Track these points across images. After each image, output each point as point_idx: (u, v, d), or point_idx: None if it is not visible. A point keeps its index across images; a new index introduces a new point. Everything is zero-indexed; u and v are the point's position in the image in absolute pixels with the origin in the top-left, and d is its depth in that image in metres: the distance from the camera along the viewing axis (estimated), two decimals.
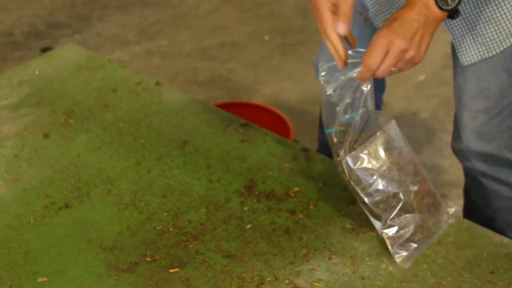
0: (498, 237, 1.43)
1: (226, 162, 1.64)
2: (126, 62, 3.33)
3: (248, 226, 1.47)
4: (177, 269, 1.39)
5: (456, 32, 1.58)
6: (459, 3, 1.34)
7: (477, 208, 1.80)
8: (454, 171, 2.58)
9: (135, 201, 1.55)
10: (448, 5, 1.33)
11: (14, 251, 1.44)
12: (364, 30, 1.72)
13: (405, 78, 3.10)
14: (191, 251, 1.42)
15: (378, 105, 2.02)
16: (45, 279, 1.38)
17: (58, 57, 2.02)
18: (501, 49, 1.54)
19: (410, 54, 1.31)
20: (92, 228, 1.49)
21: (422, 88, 3.02)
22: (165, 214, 1.51)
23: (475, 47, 1.57)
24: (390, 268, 1.37)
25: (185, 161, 1.65)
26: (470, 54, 1.58)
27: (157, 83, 1.90)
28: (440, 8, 1.33)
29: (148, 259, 1.41)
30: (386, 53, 1.30)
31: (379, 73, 1.32)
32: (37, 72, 1.96)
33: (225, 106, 2.34)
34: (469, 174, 1.79)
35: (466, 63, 1.60)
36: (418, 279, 1.35)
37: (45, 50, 2.07)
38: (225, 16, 3.72)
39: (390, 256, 1.39)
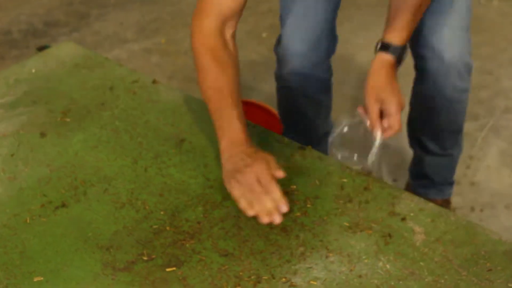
0: (495, 235, 1.43)
1: None
2: (124, 60, 3.32)
3: (245, 224, 1.47)
4: (174, 268, 1.39)
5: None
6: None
7: (436, 117, 2.07)
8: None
9: (132, 200, 1.54)
10: (400, 63, 1.74)
11: (11, 251, 1.44)
12: None
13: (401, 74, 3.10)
14: (188, 250, 1.42)
15: (329, 58, 2.12)
16: (42, 278, 1.38)
17: (55, 56, 2.02)
18: None
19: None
20: (89, 227, 1.49)
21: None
22: (162, 213, 1.51)
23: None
24: (387, 266, 1.37)
25: (182, 160, 1.64)
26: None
27: (154, 81, 1.90)
28: (398, 64, 1.73)
29: (145, 258, 1.41)
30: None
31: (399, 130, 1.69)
32: (33, 71, 1.96)
33: None
34: (433, 97, 2.02)
35: None
36: (415, 277, 1.34)
37: (41, 48, 2.06)
38: None
39: (387, 254, 1.39)
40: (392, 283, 1.33)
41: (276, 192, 1.44)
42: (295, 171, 1.59)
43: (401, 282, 1.34)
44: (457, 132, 2.12)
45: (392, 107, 1.65)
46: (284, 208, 1.44)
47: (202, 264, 1.39)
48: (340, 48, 2.11)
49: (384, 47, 1.69)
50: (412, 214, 1.48)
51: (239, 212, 1.49)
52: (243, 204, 1.45)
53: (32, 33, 3.59)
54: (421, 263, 1.37)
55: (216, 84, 1.58)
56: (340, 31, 2.07)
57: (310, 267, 1.37)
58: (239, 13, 1.64)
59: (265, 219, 1.43)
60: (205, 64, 1.59)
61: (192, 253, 1.41)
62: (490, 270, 1.35)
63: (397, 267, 1.37)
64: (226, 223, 1.47)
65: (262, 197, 1.43)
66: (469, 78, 1.97)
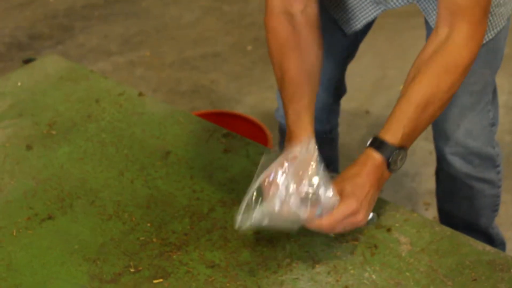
0: (480, 245, 1.44)
1: (209, 172, 1.64)
2: (109, 73, 3.32)
3: (232, 236, 1.47)
4: (161, 280, 1.39)
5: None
6: (403, 163, 1.40)
7: (458, 211, 1.80)
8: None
9: (119, 212, 1.54)
10: (397, 166, 1.39)
11: None
12: (335, 30, 1.73)
13: (387, 87, 3.12)
14: (175, 262, 1.42)
15: (338, 110, 2.02)
16: None
17: (40, 69, 2.02)
18: (483, 42, 1.56)
19: (359, 217, 1.34)
20: (75, 239, 1.48)
21: None
22: (149, 225, 1.51)
23: None
24: (373, 276, 1.38)
25: (168, 172, 1.65)
26: None
27: (140, 94, 1.90)
28: (390, 170, 1.38)
29: (132, 270, 1.41)
30: (347, 218, 1.34)
31: (328, 231, 1.37)
32: (19, 84, 1.95)
33: (207, 116, 2.34)
34: (451, 179, 1.78)
35: None
36: (401, 287, 1.35)
37: (27, 61, 2.06)
38: (208, 26, 3.73)
39: (373, 265, 1.40)
40: None
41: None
42: None
43: None
44: (484, 229, 1.81)
45: (339, 208, 1.33)
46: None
47: (189, 275, 1.39)
48: None
49: (374, 143, 1.39)
50: (397, 225, 1.49)
51: (226, 223, 1.50)
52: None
53: (17, 46, 3.59)
54: (407, 273, 1.38)
55: (276, 71, 1.49)
56: None
57: (297, 278, 1.38)
58: None
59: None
60: (270, 47, 1.51)
61: (179, 265, 1.41)
62: (475, 279, 1.36)
63: (383, 277, 1.37)
64: (213, 235, 1.48)
65: None
66: (492, 168, 1.73)
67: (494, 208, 1.80)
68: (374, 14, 1.65)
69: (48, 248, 1.47)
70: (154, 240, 1.47)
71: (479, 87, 1.61)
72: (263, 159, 1.35)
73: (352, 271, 1.38)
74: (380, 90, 3.13)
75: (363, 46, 1.90)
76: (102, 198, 1.58)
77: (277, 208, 1.32)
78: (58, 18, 3.83)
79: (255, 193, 1.33)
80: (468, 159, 1.69)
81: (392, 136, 1.37)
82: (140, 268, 1.41)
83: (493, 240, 1.86)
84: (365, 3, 1.60)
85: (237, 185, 1.60)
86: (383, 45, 3.37)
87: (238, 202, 1.53)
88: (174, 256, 1.43)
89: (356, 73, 3.15)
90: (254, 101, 3.11)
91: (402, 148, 1.38)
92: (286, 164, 1.34)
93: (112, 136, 1.76)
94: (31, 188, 1.62)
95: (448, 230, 1.47)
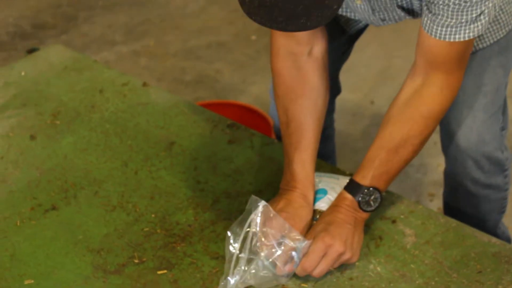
0: (485, 237, 1.43)
1: (213, 163, 1.63)
2: (113, 63, 3.31)
3: None
4: (165, 271, 1.38)
5: None
6: (381, 202, 1.41)
7: (464, 215, 1.79)
8: (442, 170, 2.59)
9: (122, 203, 1.54)
10: (371, 207, 1.41)
11: (1, 254, 1.43)
12: (334, 27, 1.71)
13: (392, 77, 3.11)
14: (179, 253, 1.42)
15: (333, 108, 2.00)
16: (32, 281, 1.37)
17: (44, 58, 2.01)
18: (495, 39, 1.54)
19: (346, 256, 1.35)
20: (79, 230, 1.48)
21: None
22: (153, 215, 1.51)
23: None
24: (378, 268, 1.37)
25: (172, 162, 1.64)
26: None
27: (144, 84, 1.89)
28: (364, 210, 1.40)
29: (136, 261, 1.41)
30: (323, 255, 1.34)
31: (316, 274, 1.34)
32: (23, 73, 1.95)
33: (211, 106, 2.34)
34: (456, 184, 1.76)
35: None
36: (406, 279, 1.35)
37: (31, 51, 2.06)
38: (212, 16, 3.72)
39: (378, 257, 1.39)
40: (383, 286, 1.34)
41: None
42: None
43: (392, 284, 1.34)
44: (491, 229, 1.77)
45: (312, 245, 1.34)
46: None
47: (193, 267, 1.39)
48: None
49: (348, 185, 1.43)
50: (402, 217, 1.48)
51: (230, 215, 1.49)
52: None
53: (20, 35, 3.57)
54: (412, 265, 1.38)
55: (282, 117, 1.49)
56: None
57: None
58: (314, 38, 1.49)
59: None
60: (276, 91, 1.50)
61: (183, 256, 1.41)
62: (480, 272, 1.36)
63: (388, 269, 1.37)
64: (217, 226, 1.47)
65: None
66: (501, 172, 1.70)
67: (501, 210, 1.79)
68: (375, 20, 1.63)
69: (52, 238, 1.47)
70: (158, 231, 1.47)
71: (491, 87, 1.59)
72: (249, 204, 1.35)
73: (356, 263, 1.38)
74: (385, 80, 3.12)
75: (367, 36, 1.89)
76: (106, 189, 1.58)
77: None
78: (62, 8, 3.81)
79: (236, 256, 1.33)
80: (479, 164, 1.66)
81: (362, 177, 1.41)
82: (144, 259, 1.41)
83: (498, 238, 1.84)
84: (366, 11, 1.58)
85: (241, 176, 1.59)
86: (388, 35, 3.35)
87: (243, 193, 1.54)
88: (178, 247, 1.43)
89: (361, 63, 3.14)
90: (258, 91, 3.10)
91: (374, 188, 1.40)
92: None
93: (116, 127, 1.76)
94: (35, 178, 1.61)
95: (453, 222, 1.47)
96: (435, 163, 2.63)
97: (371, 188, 1.40)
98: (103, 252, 1.43)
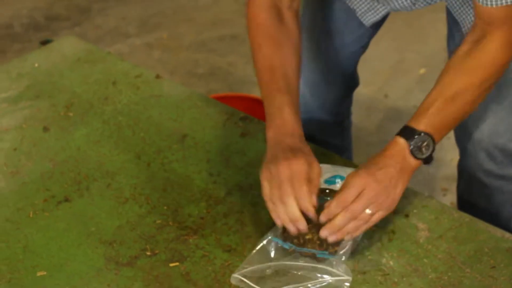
0: (499, 232, 1.42)
1: (226, 156, 1.63)
2: (126, 55, 3.32)
3: (248, 220, 1.46)
4: (177, 263, 1.38)
5: (464, 17, 1.56)
6: (433, 151, 1.36)
7: (478, 207, 1.78)
8: (455, 165, 2.58)
9: (135, 195, 1.54)
10: (422, 154, 1.36)
11: (14, 245, 1.44)
12: (351, 20, 1.71)
13: (406, 71, 3.10)
14: (191, 245, 1.42)
15: (350, 101, 1.99)
16: (45, 273, 1.38)
17: (57, 50, 2.02)
18: None
19: (382, 198, 1.31)
20: (92, 222, 1.48)
21: (423, 81, 3.01)
22: (165, 208, 1.51)
23: None
24: (391, 263, 1.37)
25: (185, 155, 1.64)
26: None
27: (157, 76, 1.89)
28: (415, 157, 1.35)
29: (148, 253, 1.41)
30: (360, 193, 1.30)
31: (349, 215, 1.31)
32: (36, 65, 1.95)
33: (224, 99, 2.33)
34: (470, 177, 1.76)
35: None
36: (418, 274, 1.34)
37: (44, 42, 2.06)
38: (225, 8, 3.71)
39: (390, 251, 1.38)
40: (396, 280, 1.33)
41: (305, 198, 1.31)
42: None
43: (404, 278, 1.34)
44: (505, 223, 1.74)
45: (348, 180, 1.32)
46: (310, 215, 1.32)
47: (205, 259, 1.39)
48: None
49: (401, 130, 1.39)
50: (415, 211, 1.47)
51: (243, 208, 1.49)
52: (270, 205, 1.34)
53: (34, 27, 3.59)
54: (425, 260, 1.37)
55: (268, 64, 1.45)
56: None
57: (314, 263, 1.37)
58: None
59: (291, 228, 1.32)
60: (257, 41, 1.48)
61: (195, 249, 1.41)
62: (493, 267, 1.35)
63: (401, 263, 1.37)
64: (230, 219, 1.47)
65: (287, 200, 1.31)
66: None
67: None
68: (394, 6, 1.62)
69: (64, 230, 1.47)
70: (171, 223, 1.47)
71: (504, 79, 1.58)
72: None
73: (369, 257, 1.38)
74: (399, 73, 3.11)
75: (381, 30, 1.88)
76: (118, 181, 1.58)
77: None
78: (76, 0, 3.82)
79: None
80: (492, 156, 1.65)
81: (417, 122, 1.36)
82: (156, 251, 1.41)
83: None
84: None
85: (254, 169, 1.59)
86: (402, 29, 3.34)
87: (255, 186, 1.53)
88: (191, 240, 1.43)
89: (375, 56, 3.13)
90: None
91: (427, 134, 1.35)
92: None
93: (129, 119, 1.76)
94: (48, 170, 1.62)
95: (466, 217, 1.46)
96: (449, 158, 2.63)
97: (423, 133, 1.35)
98: (116, 244, 1.43)
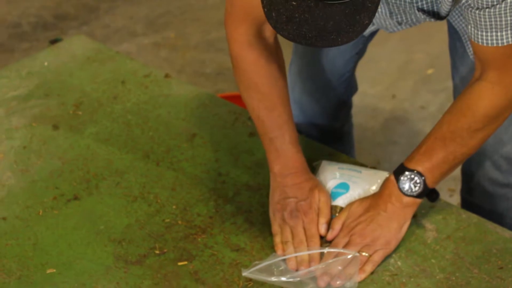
0: (507, 233, 1.43)
1: (235, 156, 1.63)
2: (134, 54, 3.32)
3: (257, 220, 1.47)
4: (186, 262, 1.39)
5: (462, 26, 1.56)
6: (425, 188, 1.38)
7: (481, 212, 1.78)
8: (461, 166, 2.58)
9: (144, 194, 1.55)
10: (412, 191, 1.38)
11: (23, 243, 1.45)
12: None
13: (413, 72, 3.10)
14: (200, 245, 1.42)
15: (350, 105, 1.99)
16: (54, 270, 1.38)
17: (67, 49, 2.02)
18: None
19: (372, 239, 1.37)
20: (101, 220, 1.49)
21: (430, 82, 3.01)
22: (174, 207, 1.51)
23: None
24: (399, 263, 1.37)
25: (194, 154, 1.65)
26: None
27: (166, 76, 1.90)
28: (405, 194, 1.39)
29: (157, 251, 1.41)
30: (349, 241, 1.38)
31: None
32: (45, 64, 1.96)
33: (232, 98, 2.33)
34: (474, 183, 1.75)
35: None
36: (426, 274, 1.35)
37: (53, 41, 2.07)
38: None
39: (398, 251, 1.39)
40: (403, 280, 1.34)
41: (316, 246, 1.39)
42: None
43: (412, 279, 1.34)
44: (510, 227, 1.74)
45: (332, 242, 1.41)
46: (313, 264, 1.37)
47: (213, 258, 1.39)
48: None
49: (396, 170, 1.41)
50: (423, 211, 1.48)
51: (251, 207, 1.50)
52: (277, 240, 1.41)
53: (42, 26, 3.59)
54: (433, 260, 1.37)
55: (265, 102, 1.46)
56: None
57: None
58: None
59: (292, 265, 1.36)
60: (250, 79, 1.46)
61: (204, 248, 1.42)
62: (501, 268, 1.35)
63: (408, 264, 1.37)
64: (238, 218, 1.48)
65: (301, 247, 1.38)
66: None
67: None
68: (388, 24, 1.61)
69: (74, 228, 1.48)
70: (179, 222, 1.47)
71: None
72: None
73: None
74: (406, 74, 3.11)
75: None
76: (127, 180, 1.58)
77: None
78: None
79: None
80: (497, 164, 1.66)
81: (408, 161, 1.40)
82: (165, 250, 1.42)
83: None
84: (383, 15, 1.56)
85: (262, 169, 1.59)
86: (409, 29, 3.34)
87: (264, 186, 1.54)
88: (199, 239, 1.43)
89: (382, 57, 3.13)
90: None
91: (417, 172, 1.38)
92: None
93: (138, 118, 1.76)
94: (57, 168, 1.62)
95: (474, 217, 1.46)
96: None
97: (411, 171, 1.38)
98: (124, 242, 1.44)
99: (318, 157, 1.59)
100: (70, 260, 1.41)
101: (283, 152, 1.46)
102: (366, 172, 1.48)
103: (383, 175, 1.47)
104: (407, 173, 1.38)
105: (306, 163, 1.48)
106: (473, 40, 1.31)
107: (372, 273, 1.35)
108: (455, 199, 2.45)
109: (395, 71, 3.14)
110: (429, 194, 1.40)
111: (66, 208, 1.52)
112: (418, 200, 1.40)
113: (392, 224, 1.38)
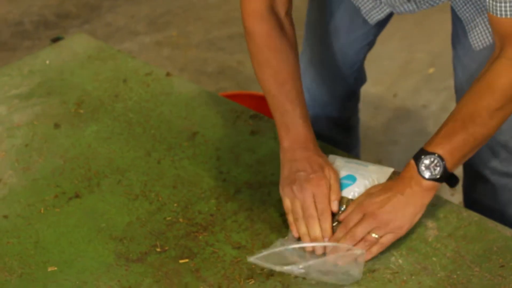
0: (508, 231, 1.43)
1: (236, 154, 1.64)
2: (135, 53, 3.33)
3: (258, 218, 1.47)
4: (187, 260, 1.39)
5: (467, 15, 1.56)
6: (445, 171, 1.35)
7: (484, 205, 1.78)
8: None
9: (145, 192, 1.55)
10: (431, 174, 1.35)
11: (25, 241, 1.45)
12: (356, 17, 1.71)
13: (415, 71, 3.10)
14: (201, 242, 1.43)
15: (358, 98, 2.00)
16: (55, 268, 1.39)
17: (68, 47, 2.02)
18: None
19: (385, 221, 1.34)
20: (102, 218, 1.49)
21: (431, 81, 3.01)
22: (175, 205, 1.51)
23: (486, 30, 1.55)
24: (400, 261, 1.37)
25: (195, 152, 1.65)
26: (482, 38, 1.56)
27: (167, 74, 1.90)
28: (424, 178, 1.35)
29: (158, 249, 1.42)
30: (361, 218, 1.35)
31: (351, 240, 1.35)
32: (47, 62, 1.96)
33: (234, 97, 2.34)
34: (475, 175, 1.76)
35: (478, 48, 1.58)
36: (427, 272, 1.35)
37: (55, 40, 2.07)
38: (235, 7, 3.70)
39: (399, 249, 1.39)
40: (404, 278, 1.34)
41: (328, 222, 1.38)
42: None
43: (413, 277, 1.34)
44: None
45: (349, 210, 1.39)
46: (326, 240, 1.37)
47: (215, 256, 1.40)
48: None
49: (416, 154, 1.38)
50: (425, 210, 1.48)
51: (252, 205, 1.50)
52: (290, 219, 1.40)
53: (44, 24, 3.60)
54: (434, 259, 1.37)
55: (277, 77, 1.47)
56: None
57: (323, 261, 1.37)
58: None
59: (307, 242, 1.37)
60: (262, 53, 1.47)
61: (205, 245, 1.42)
62: (502, 266, 1.35)
63: (410, 262, 1.37)
64: (239, 216, 1.48)
65: (312, 221, 1.37)
66: None
67: None
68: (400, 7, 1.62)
69: (75, 226, 1.48)
70: (181, 220, 1.48)
71: None
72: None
73: (378, 255, 1.38)
74: (408, 73, 3.11)
75: (390, 29, 1.88)
76: (129, 178, 1.59)
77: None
78: None
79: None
80: (495, 152, 1.66)
81: (427, 145, 1.37)
82: (166, 248, 1.42)
83: None
84: None
85: (264, 167, 1.59)
86: (411, 28, 3.34)
87: (265, 184, 1.54)
88: (200, 237, 1.44)
89: (384, 56, 3.13)
90: None
91: (435, 155, 1.35)
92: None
93: (139, 116, 1.76)
94: (58, 166, 1.63)
95: (475, 216, 1.46)
96: None
97: (431, 154, 1.35)
98: (126, 240, 1.44)
99: None
100: (72, 258, 1.41)
101: (294, 127, 1.45)
102: (372, 166, 1.48)
103: (388, 170, 1.47)
104: (427, 156, 1.35)
105: (316, 139, 1.47)
106: (491, 13, 1.30)
107: (373, 271, 1.35)
108: (456, 198, 2.45)
109: (396, 70, 3.14)
110: (448, 178, 1.37)
111: (67, 206, 1.52)
112: (438, 185, 1.36)
113: (408, 209, 1.35)
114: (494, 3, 1.28)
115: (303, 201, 1.39)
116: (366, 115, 2.78)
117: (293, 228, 1.39)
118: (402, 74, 3.12)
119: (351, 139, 2.06)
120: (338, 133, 1.97)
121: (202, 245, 1.42)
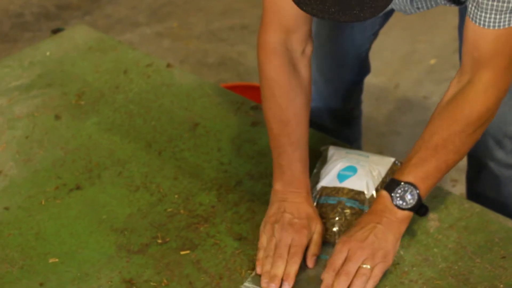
0: (509, 222, 1.42)
1: (237, 145, 1.63)
2: (136, 44, 3.32)
3: (259, 209, 1.47)
4: (188, 251, 1.39)
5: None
6: (419, 201, 1.33)
7: (487, 197, 1.78)
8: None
9: (146, 183, 1.55)
10: (406, 204, 1.33)
11: (26, 232, 1.45)
12: None
13: (416, 62, 3.09)
14: (202, 234, 1.42)
15: (361, 89, 2.00)
16: (57, 260, 1.39)
17: (69, 39, 2.02)
18: None
19: (371, 253, 1.29)
20: (103, 209, 1.49)
21: (433, 72, 3.00)
22: (176, 196, 1.51)
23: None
24: (401, 252, 1.37)
25: (196, 144, 1.64)
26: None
27: (168, 65, 1.89)
28: (399, 208, 1.33)
29: (159, 241, 1.42)
30: (347, 256, 1.30)
31: (344, 278, 1.29)
32: (48, 54, 1.96)
33: (235, 88, 2.34)
34: (480, 166, 1.75)
35: None
36: (429, 263, 1.35)
37: (56, 31, 2.06)
38: None
39: (401, 241, 1.38)
40: (406, 269, 1.34)
41: (294, 268, 1.33)
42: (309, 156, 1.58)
43: (414, 268, 1.34)
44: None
45: (329, 262, 1.32)
46: (286, 286, 1.32)
47: (216, 247, 1.40)
48: None
49: (388, 184, 1.36)
50: (425, 201, 1.47)
51: (253, 196, 1.50)
52: (260, 255, 1.36)
53: (45, 16, 3.59)
54: (435, 250, 1.37)
55: (281, 115, 1.43)
56: None
57: (325, 254, 1.37)
58: (305, 25, 1.42)
59: (264, 283, 1.32)
60: (270, 88, 1.43)
61: (206, 237, 1.42)
62: (504, 257, 1.35)
63: (411, 253, 1.37)
64: (240, 207, 1.48)
65: (279, 260, 1.32)
66: None
67: None
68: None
69: (76, 217, 1.48)
70: (182, 211, 1.47)
71: None
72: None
73: None
74: (410, 64, 3.10)
75: (392, 20, 1.88)
76: (129, 169, 1.58)
77: None
78: None
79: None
80: (501, 144, 1.64)
81: (400, 174, 1.35)
82: (167, 239, 1.42)
83: None
84: (404, 1, 1.55)
85: (264, 158, 1.59)
86: (413, 19, 3.33)
87: (266, 175, 1.54)
88: (201, 228, 1.43)
89: (386, 47, 3.12)
90: None
91: (409, 184, 1.33)
92: None
93: (140, 107, 1.76)
94: (59, 158, 1.62)
95: (477, 207, 1.46)
96: None
97: (404, 184, 1.33)
98: (127, 232, 1.44)
99: (323, 146, 1.59)
100: (73, 249, 1.41)
101: (290, 170, 1.42)
102: (373, 157, 1.47)
103: (389, 160, 1.47)
104: (400, 185, 1.33)
105: (310, 187, 1.44)
106: (474, 22, 1.28)
107: None
108: (458, 189, 2.45)
109: (398, 61, 3.13)
110: (419, 208, 1.35)
111: (68, 198, 1.52)
112: (411, 214, 1.35)
113: (389, 236, 1.32)
114: (476, 10, 1.26)
115: (279, 240, 1.35)
116: (368, 106, 2.77)
117: (258, 264, 1.35)
118: (404, 65, 3.11)
119: (353, 131, 2.05)
120: (340, 124, 1.97)
121: (203, 236, 1.42)
